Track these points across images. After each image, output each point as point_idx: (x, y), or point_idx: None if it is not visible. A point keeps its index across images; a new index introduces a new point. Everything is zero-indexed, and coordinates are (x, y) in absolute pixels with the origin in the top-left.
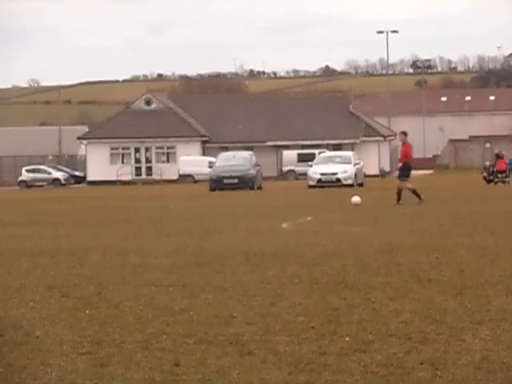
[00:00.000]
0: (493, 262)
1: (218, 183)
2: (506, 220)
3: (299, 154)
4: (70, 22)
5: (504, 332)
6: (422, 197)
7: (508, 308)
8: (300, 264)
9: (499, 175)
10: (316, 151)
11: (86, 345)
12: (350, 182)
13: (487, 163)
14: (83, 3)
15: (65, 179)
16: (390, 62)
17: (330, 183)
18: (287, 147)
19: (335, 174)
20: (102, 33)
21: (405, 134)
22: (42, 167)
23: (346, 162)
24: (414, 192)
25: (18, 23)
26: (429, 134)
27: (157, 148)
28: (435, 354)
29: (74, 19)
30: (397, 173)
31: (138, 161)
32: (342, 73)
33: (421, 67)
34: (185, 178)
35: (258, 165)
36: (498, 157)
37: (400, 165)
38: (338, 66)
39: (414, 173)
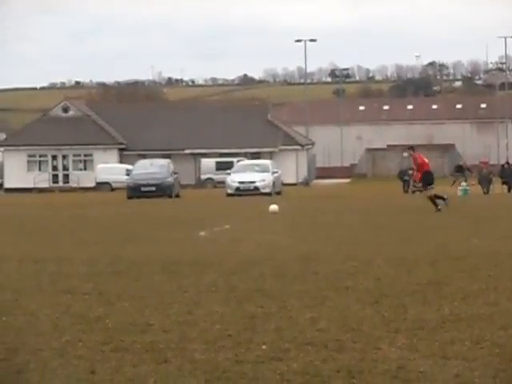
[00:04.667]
0: (409, 271)
1: (135, 191)
2: (423, 229)
3: (217, 162)
4: None
5: (420, 341)
6: (440, 207)
7: (424, 317)
8: (217, 272)
9: (417, 184)
10: (234, 159)
11: (3, 352)
12: (267, 190)
13: (410, 172)
14: (2, 11)
15: None
16: (308, 70)
17: (248, 191)
18: (205, 155)
19: (253, 182)
20: (20, 40)
21: (411, 148)
22: None
23: (264, 170)
24: (432, 200)
25: None
26: (346, 143)
27: (74, 155)
28: (351, 363)
29: None
30: (419, 184)
31: (55, 168)
32: (261, 81)
33: (339, 76)
34: (102, 185)
35: (175, 173)
36: (461, 168)
37: (418, 175)
38: (257, 74)
39: (331, 181)
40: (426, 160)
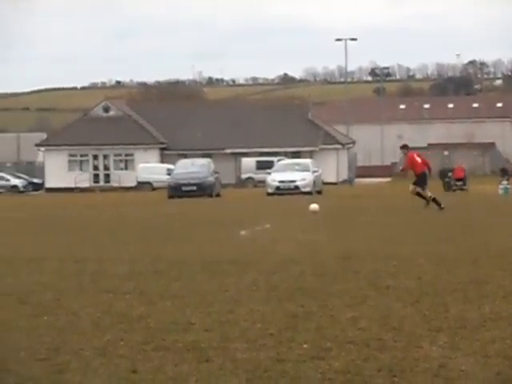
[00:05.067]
0: (450, 270)
1: (176, 190)
2: (464, 228)
3: (258, 162)
4: (29, 29)
5: (462, 339)
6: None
7: (466, 315)
8: (258, 271)
9: (457, 183)
10: (275, 159)
11: (44, 351)
12: (308, 189)
13: (450, 174)
14: (42, 11)
15: (23, 186)
16: (348, 69)
17: (288, 191)
18: (246, 155)
19: (294, 181)
20: (60, 40)
21: (405, 147)
22: (1, 174)
23: (305, 169)
24: (419, 194)
25: None
26: (387, 142)
27: (115, 155)
28: (393, 361)
29: (34, 27)
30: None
31: (96, 168)
32: (301, 80)
33: (379, 75)
34: (143, 185)
35: (216, 172)
36: (506, 171)
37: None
38: (297, 73)
39: (372, 180)
40: (420, 160)
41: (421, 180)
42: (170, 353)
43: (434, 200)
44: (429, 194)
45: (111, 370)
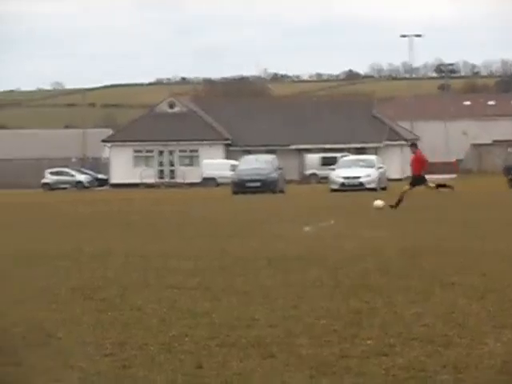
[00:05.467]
0: None
1: (240, 186)
2: None
3: (322, 158)
4: (95, 25)
5: None
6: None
7: None
8: (322, 267)
9: None
10: (339, 155)
11: (109, 347)
12: (373, 185)
13: None
14: (109, 7)
15: (88, 182)
16: (413, 65)
17: (352, 187)
18: (310, 151)
19: (358, 177)
20: (126, 36)
21: (414, 145)
22: (66, 170)
23: (369, 165)
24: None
25: (43, 26)
26: (452, 138)
27: (180, 151)
28: (457, 358)
29: (100, 22)
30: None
31: (161, 164)
32: (366, 76)
33: (444, 71)
34: (208, 181)
35: (280, 168)
36: None
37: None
38: (362, 69)
39: (437, 177)
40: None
41: (420, 181)
42: (234, 348)
43: (403, 192)
44: (407, 188)
45: (176, 365)
